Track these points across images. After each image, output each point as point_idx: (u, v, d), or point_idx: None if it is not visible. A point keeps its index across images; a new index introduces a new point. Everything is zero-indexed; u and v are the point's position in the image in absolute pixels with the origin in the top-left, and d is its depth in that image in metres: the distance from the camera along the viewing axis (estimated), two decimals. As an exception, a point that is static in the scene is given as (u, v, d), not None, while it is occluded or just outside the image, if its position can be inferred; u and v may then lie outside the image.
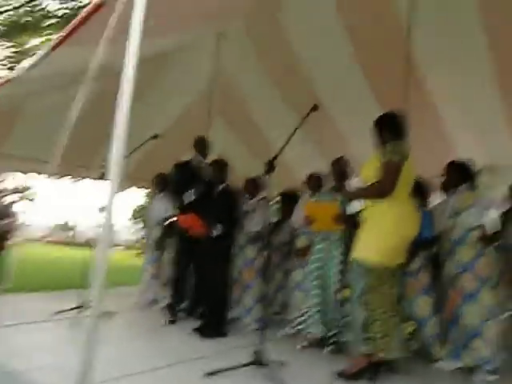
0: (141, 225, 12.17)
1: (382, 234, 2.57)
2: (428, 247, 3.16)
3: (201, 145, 3.98)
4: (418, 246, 2.95)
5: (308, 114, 2.71)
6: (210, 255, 3.49)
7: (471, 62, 3.33)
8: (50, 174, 2.39)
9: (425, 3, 3.16)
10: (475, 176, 3.01)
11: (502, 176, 3.68)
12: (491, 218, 2.88)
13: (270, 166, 2.59)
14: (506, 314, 3.00)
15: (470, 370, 2.82)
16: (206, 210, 3.57)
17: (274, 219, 3.87)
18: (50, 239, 15.26)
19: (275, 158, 2.61)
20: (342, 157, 3.28)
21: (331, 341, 3.04)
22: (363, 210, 2.69)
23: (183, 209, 3.79)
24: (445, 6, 3.13)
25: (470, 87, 3.51)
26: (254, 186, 3.91)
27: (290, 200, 3.96)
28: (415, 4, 3.19)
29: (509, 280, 3.02)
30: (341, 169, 3.23)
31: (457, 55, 3.35)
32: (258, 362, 2.55)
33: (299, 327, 3.26)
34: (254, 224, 3.80)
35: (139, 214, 12.33)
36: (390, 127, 2.69)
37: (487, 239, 2.84)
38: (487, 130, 3.75)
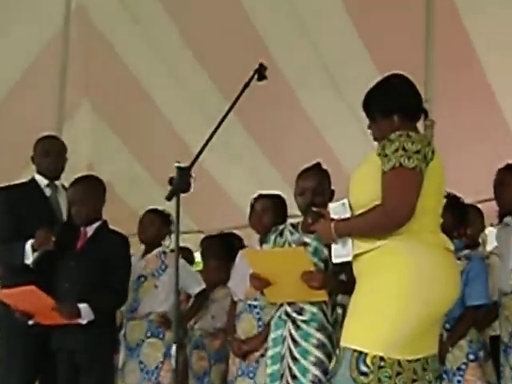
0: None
1: (393, 302, 2.43)
2: (480, 324, 3.34)
3: (49, 153, 3.82)
4: (460, 321, 3.18)
5: (250, 82, 2.76)
6: (72, 367, 3.49)
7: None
8: None
9: None
10: None
11: None
12: None
13: (181, 185, 2.44)
14: None
15: None
16: (63, 277, 3.54)
17: (194, 288, 4.02)
18: None
19: (191, 165, 2.50)
20: (316, 165, 3.23)
21: None
22: (355, 259, 2.56)
23: (16, 276, 3.59)
24: None
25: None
26: (153, 226, 4.02)
27: (222, 251, 4.21)
28: None
29: None
30: (315, 186, 3.14)
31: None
32: None
33: None
34: (154, 300, 3.86)
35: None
36: (393, 104, 2.65)
37: None
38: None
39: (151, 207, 4.09)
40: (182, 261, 3.91)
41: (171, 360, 3.67)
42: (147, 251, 4.01)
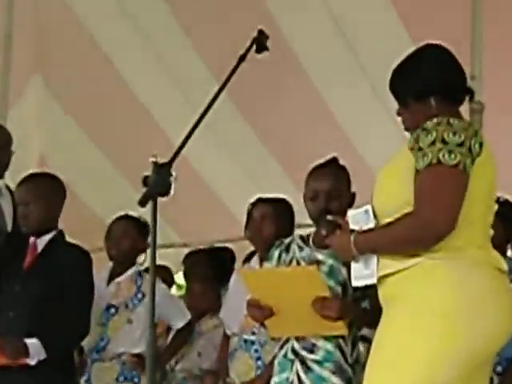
0: None
1: (430, 339, 2.44)
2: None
3: None
4: None
5: (246, 54, 2.80)
6: None
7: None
8: None
9: None
10: None
11: None
12: None
13: (159, 186, 2.47)
14: None
15: None
16: (6, 305, 3.57)
17: (177, 321, 4.05)
18: None
19: (172, 161, 2.53)
20: (331, 161, 3.28)
21: None
22: (381, 281, 2.59)
23: None
24: None
25: None
26: (127, 238, 4.06)
27: (210, 271, 4.30)
28: None
29: None
30: (330, 188, 3.18)
31: None
32: None
33: None
34: (127, 339, 3.92)
35: None
36: (430, 83, 2.68)
37: None
38: None
39: (122, 213, 4.10)
40: (162, 285, 3.92)
41: None
42: (117, 272, 4.00)
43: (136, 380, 3.83)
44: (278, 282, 3.07)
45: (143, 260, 4.04)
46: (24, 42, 5.02)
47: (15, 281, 3.57)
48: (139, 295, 3.93)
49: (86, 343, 3.81)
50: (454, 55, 2.72)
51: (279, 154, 5.34)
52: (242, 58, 2.79)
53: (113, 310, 3.90)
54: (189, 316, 4.07)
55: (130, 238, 4.01)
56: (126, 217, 4.06)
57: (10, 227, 3.80)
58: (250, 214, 3.82)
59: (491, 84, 3.67)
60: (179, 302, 4.20)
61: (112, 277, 4.00)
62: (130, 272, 3.98)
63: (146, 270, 3.84)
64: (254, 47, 2.85)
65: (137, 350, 3.85)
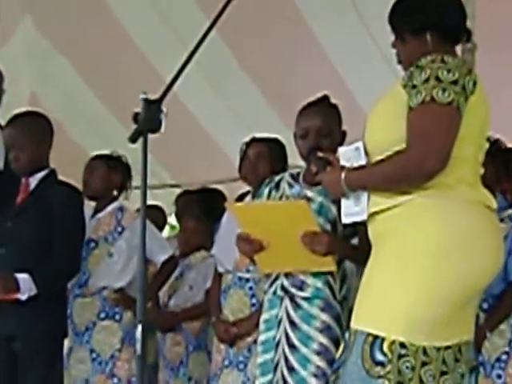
0: None
1: (418, 274, 2.48)
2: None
3: None
4: (501, 299, 3.29)
5: None
6: (9, 359, 3.55)
7: None
8: None
9: None
10: None
11: None
12: None
13: (149, 122, 2.40)
14: None
15: None
16: None
17: (159, 255, 4.07)
18: None
19: (162, 98, 2.46)
20: (322, 99, 3.26)
21: None
22: (371, 218, 2.62)
23: None
24: None
25: None
26: (96, 175, 4.07)
27: (202, 210, 4.34)
28: None
29: None
30: (320, 125, 3.17)
31: None
32: None
33: None
34: (108, 272, 3.93)
35: None
36: (427, 17, 2.66)
37: None
38: None
39: (100, 152, 4.11)
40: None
41: (131, 347, 3.74)
42: (98, 209, 4.02)
43: (117, 317, 3.85)
44: (269, 216, 3.08)
45: (125, 196, 4.07)
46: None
47: (7, 218, 3.60)
48: (119, 228, 3.96)
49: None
50: None
51: (271, 94, 5.31)
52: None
53: (93, 244, 3.92)
54: (171, 251, 4.09)
55: (98, 175, 4.01)
56: (96, 156, 4.08)
57: (1, 165, 3.81)
58: (244, 153, 3.84)
59: (483, 23, 3.65)
60: (162, 238, 4.23)
61: (94, 214, 4.02)
62: (110, 208, 4.00)
63: (138, 210, 3.85)
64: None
65: (118, 285, 3.88)
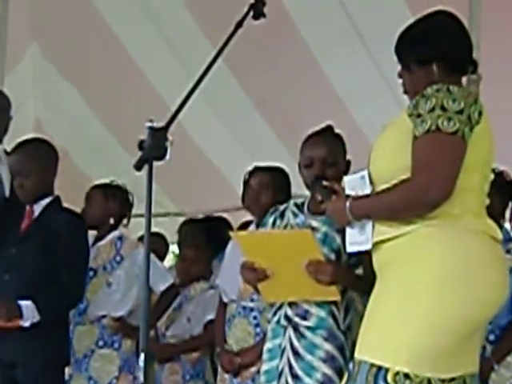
0: None
1: (423, 304, 2.46)
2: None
3: None
4: (508, 331, 3.28)
5: (243, 20, 2.75)
6: None
7: None
8: None
9: None
10: None
11: None
12: None
13: (154, 150, 2.42)
14: None
15: None
16: (1, 267, 3.59)
17: (159, 284, 4.03)
18: None
19: (168, 126, 2.48)
20: (326, 128, 3.26)
21: None
22: (376, 248, 2.59)
23: None
24: None
25: None
26: (94, 204, 4.08)
27: (203, 239, 4.32)
28: None
29: None
30: (325, 155, 3.17)
31: None
32: None
33: None
34: (107, 301, 3.93)
35: None
36: (434, 49, 2.66)
37: None
38: None
39: (101, 181, 4.10)
40: (142, 250, 3.93)
41: (130, 374, 3.74)
42: (99, 237, 4.02)
43: (116, 345, 3.84)
44: (273, 245, 3.07)
45: (124, 224, 4.07)
46: (20, 7, 4.98)
47: (11, 244, 3.59)
48: (118, 258, 3.96)
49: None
50: (463, 24, 2.70)
51: (276, 123, 5.33)
52: (239, 25, 2.76)
53: (91, 273, 3.91)
54: (171, 280, 4.08)
55: (96, 204, 4.03)
56: (95, 186, 4.09)
57: (8, 192, 3.80)
58: (247, 182, 3.83)
59: (489, 54, 3.66)
60: (162, 267, 4.20)
61: (95, 242, 4.02)
62: (109, 236, 4.00)
63: (141, 238, 3.81)
64: (251, 13, 2.82)
65: (118, 314, 3.87)
